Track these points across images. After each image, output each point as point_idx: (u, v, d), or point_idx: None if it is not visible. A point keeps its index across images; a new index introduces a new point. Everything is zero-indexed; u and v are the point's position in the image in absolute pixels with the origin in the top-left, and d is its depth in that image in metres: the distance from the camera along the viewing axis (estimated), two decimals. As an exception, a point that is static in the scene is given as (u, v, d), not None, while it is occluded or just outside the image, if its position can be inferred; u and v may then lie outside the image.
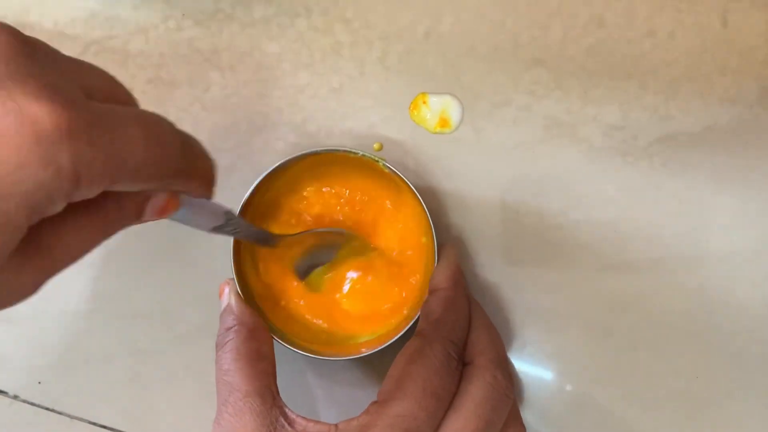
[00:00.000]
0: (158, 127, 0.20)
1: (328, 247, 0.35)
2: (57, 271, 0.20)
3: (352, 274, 0.35)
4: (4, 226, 0.16)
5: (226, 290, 0.32)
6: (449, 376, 0.29)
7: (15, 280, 0.18)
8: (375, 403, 0.28)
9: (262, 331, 0.32)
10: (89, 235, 0.20)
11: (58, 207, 0.17)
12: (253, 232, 0.31)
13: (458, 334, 0.31)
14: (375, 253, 0.34)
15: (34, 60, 0.17)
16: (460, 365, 0.30)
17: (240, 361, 0.30)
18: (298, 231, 0.34)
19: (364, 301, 0.35)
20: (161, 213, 0.22)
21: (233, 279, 0.33)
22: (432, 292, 0.32)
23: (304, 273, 0.34)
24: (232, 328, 0.31)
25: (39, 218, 0.17)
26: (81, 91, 0.18)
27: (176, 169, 0.20)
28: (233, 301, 0.32)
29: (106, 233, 0.21)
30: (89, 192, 0.17)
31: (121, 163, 0.18)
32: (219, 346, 0.31)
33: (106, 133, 0.17)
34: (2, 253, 0.16)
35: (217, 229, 0.26)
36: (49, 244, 0.19)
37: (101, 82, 0.20)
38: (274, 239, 0.32)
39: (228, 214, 0.27)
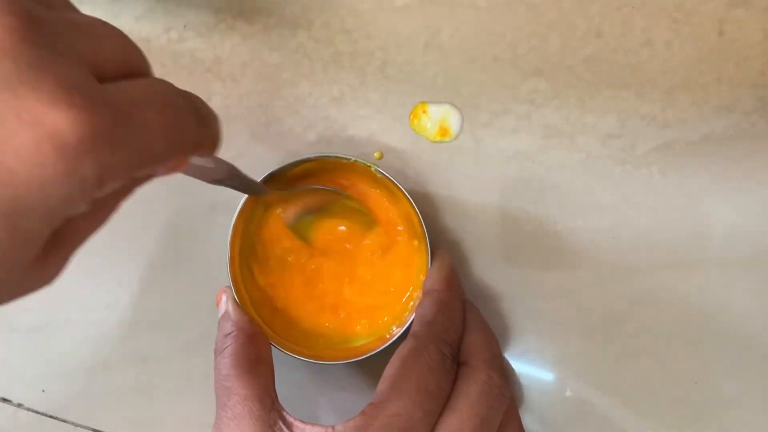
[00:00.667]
0: (175, 106, 0.19)
1: (325, 208, 0.35)
2: (75, 251, 0.19)
3: (342, 228, 0.35)
4: (28, 241, 0.16)
5: (224, 297, 0.33)
6: (444, 375, 0.29)
7: (37, 274, 0.18)
8: (371, 404, 0.28)
9: (260, 336, 0.32)
10: (105, 210, 0.20)
11: (81, 210, 0.16)
12: (251, 185, 0.31)
13: (452, 334, 0.31)
14: (371, 222, 0.35)
15: (43, 47, 0.15)
16: (455, 365, 0.30)
17: (239, 367, 0.30)
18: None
19: (362, 291, 0.35)
20: (170, 172, 0.21)
21: (230, 287, 0.33)
22: (426, 294, 0.32)
23: (294, 224, 0.35)
24: (230, 333, 0.32)
25: (60, 223, 0.16)
26: (94, 76, 0.17)
27: (192, 144, 0.20)
28: (230, 307, 0.32)
29: (119, 202, 0.20)
30: (111, 189, 0.17)
31: (143, 156, 0.17)
32: (218, 352, 0.32)
33: (128, 130, 0.16)
34: (26, 263, 0.16)
35: (218, 182, 0.27)
36: (67, 233, 0.18)
37: (115, 52, 0.18)
38: (267, 191, 0.33)
39: (231, 169, 0.27)
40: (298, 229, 0.35)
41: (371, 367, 0.36)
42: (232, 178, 0.28)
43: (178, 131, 0.19)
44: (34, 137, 0.15)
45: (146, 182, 0.21)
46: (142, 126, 0.17)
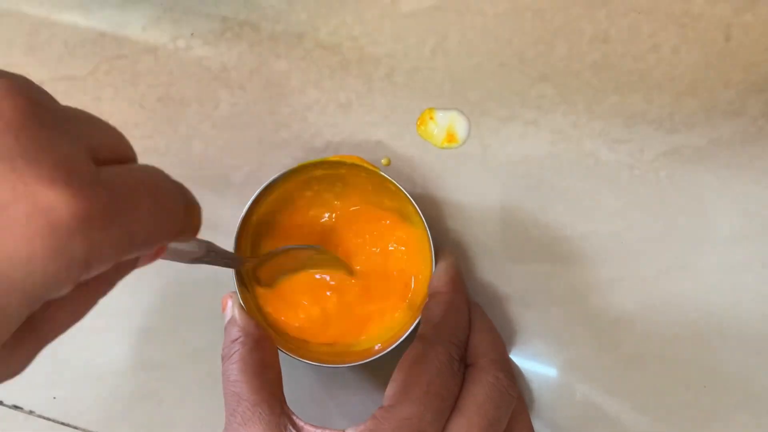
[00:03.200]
0: (164, 192, 0.19)
1: (304, 266, 0.35)
2: (48, 344, 0.19)
3: (318, 276, 0.35)
4: (3, 321, 0.15)
5: (229, 303, 0.33)
6: (452, 377, 0.29)
7: (4, 362, 0.17)
8: (381, 408, 0.29)
9: (267, 340, 0.32)
10: (84, 304, 0.19)
11: (63, 292, 0.16)
12: (228, 258, 0.32)
13: (459, 336, 0.31)
14: (350, 274, 0.35)
15: (45, 127, 0.16)
16: (462, 366, 0.31)
17: (247, 372, 0.30)
18: (291, 243, 0.35)
19: (367, 295, 0.36)
20: (153, 259, 0.21)
21: (235, 292, 0.33)
22: (432, 296, 0.32)
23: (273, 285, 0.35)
24: (237, 339, 0.32)
25: (40, 305, 0.16)
26: (91, 159, 0.17)
27: (179, 230, 0.20)
28: (237, 313, 0.32)
29: (101, 296, 0.20)
30: (97, 273, 0.16)
31: (131, 239, 0.17)
32: (225, 358, 0.32)
33: (119, 213, 0.16)
34: None
35: (197, 260, 0.27)
36: (43, 321, 0.18)
37: (108, 139, 0.19)
38: (244, 262, 0.33)
39: (209, 245, 0.28)
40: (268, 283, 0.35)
41: (379, 368, 0.37)
42: (209, 254, 0.28)
43: (167, 215, 0.19)
44: (27, 211, 0.14)
45: (127, 274, 0.21)
46: (135, 209, 0.17)
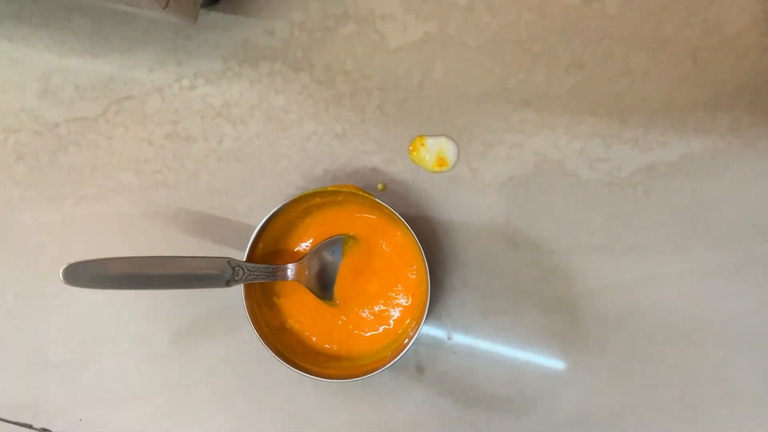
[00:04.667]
0: None
1: (331, 252, 0.37)
2: None
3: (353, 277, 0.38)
4: None
5: None
6: None
7: None
8: None
9: None
10: None
11: None
12: (261, 272, 0.34)
13: None
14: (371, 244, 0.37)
15: None
16: None
17: None
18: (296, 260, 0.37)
19: (367, 324, 0.38)
20: None
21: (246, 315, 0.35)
22: None
23: (320, 292, 0.37)
24: None
25: None
26: None
27: None
28: None
29: None
30: None
31: None
32: None
33: None
34: None
35: (231, 282, 0.30)
36: None
37: None
38: (280, 271, 0.35)
39: (234, 263, 0.31)
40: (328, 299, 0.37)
41: (385, 382, 0.39)
42: (243, 272, 0.33)
43: None
44: None
45: None
46: None
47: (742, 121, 0.35)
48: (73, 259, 0.30)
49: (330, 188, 0.35)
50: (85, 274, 0.30)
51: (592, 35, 0.36)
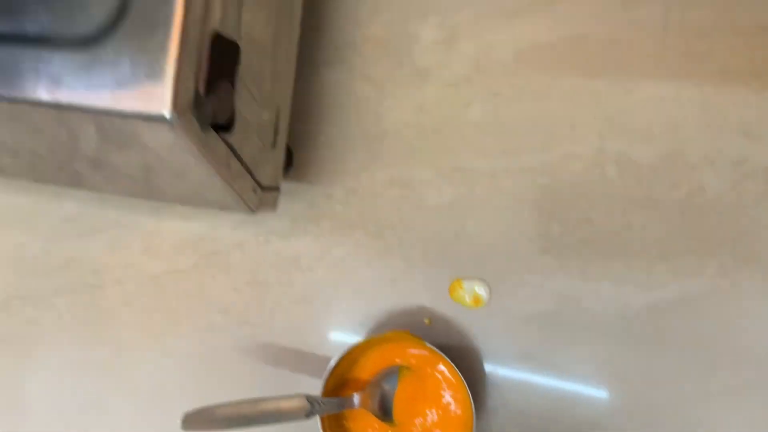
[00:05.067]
0: None
1: (389, 381, 0.44)
2: None
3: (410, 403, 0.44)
4: None
5: None
6: None
7: None
8: None
9: None
10: None
11: None
12: (333, 404, 0.42)
13: None
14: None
15: None
16: None
17: None
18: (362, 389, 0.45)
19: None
20: None
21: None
22: None
23: (382, 415, 0.44)
24: None
25: None
26: None
27: None
28: None
29: None
30: None
31: None
32: None
33: None
34: None
35: (309, 415, 0.37)
36: None
37: None
38: (348, 402, 0.43)
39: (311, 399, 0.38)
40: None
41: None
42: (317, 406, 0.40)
43: None
44: None
45: None
46: None
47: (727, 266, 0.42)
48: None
49: (388, 334, 0.43)
50: (200, 418, 0.38)
51: (596, 196, 0.44)
